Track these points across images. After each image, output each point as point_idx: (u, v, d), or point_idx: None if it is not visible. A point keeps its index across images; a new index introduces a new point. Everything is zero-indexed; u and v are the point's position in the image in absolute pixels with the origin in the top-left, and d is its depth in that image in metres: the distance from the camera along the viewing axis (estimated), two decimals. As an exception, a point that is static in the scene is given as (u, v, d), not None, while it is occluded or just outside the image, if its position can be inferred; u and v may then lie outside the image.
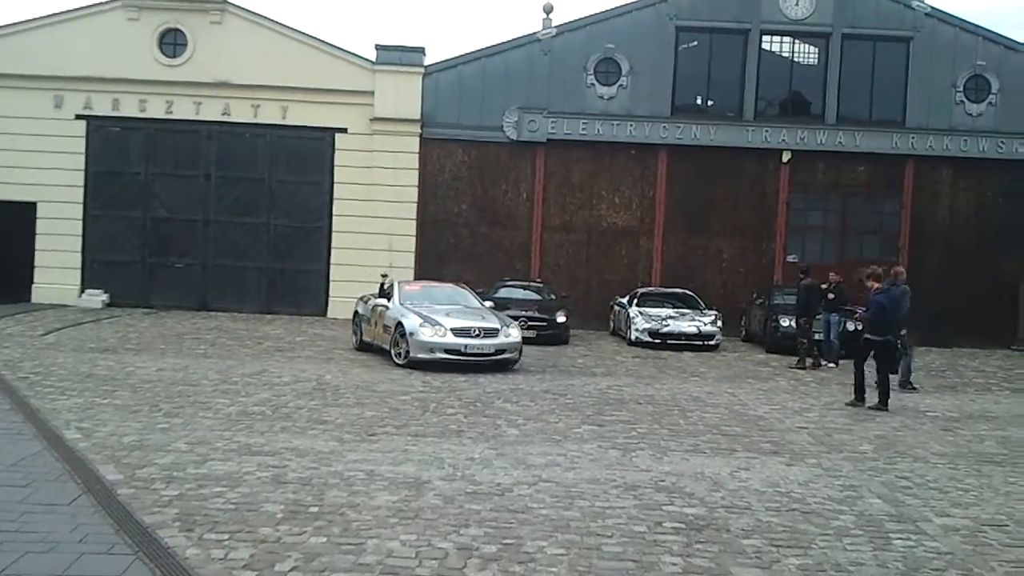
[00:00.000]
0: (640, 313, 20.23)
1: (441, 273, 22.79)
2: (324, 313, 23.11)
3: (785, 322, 19.27)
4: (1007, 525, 7.16)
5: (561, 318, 19.66)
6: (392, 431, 9.62)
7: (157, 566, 5.42)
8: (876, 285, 13.21)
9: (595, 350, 18.86)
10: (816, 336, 17.74)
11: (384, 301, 16.32)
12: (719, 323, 20.09)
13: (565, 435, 9.85)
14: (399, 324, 15.04)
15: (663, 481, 8.02)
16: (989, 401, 14.29)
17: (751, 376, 15.87)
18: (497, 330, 15.02)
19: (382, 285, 18.06)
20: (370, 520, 6.50)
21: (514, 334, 15.26)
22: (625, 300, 21.44)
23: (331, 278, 23.40)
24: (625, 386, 13.85)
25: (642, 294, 21.50)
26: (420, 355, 14.60)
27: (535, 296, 21.05)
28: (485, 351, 14.72)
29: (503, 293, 20.89)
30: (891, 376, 13.05)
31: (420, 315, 15.10)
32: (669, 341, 19.56)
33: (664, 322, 19.87)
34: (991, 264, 23.68)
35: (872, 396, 12.79)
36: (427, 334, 14.64)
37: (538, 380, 14.02)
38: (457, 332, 14.73)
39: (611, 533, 6.49)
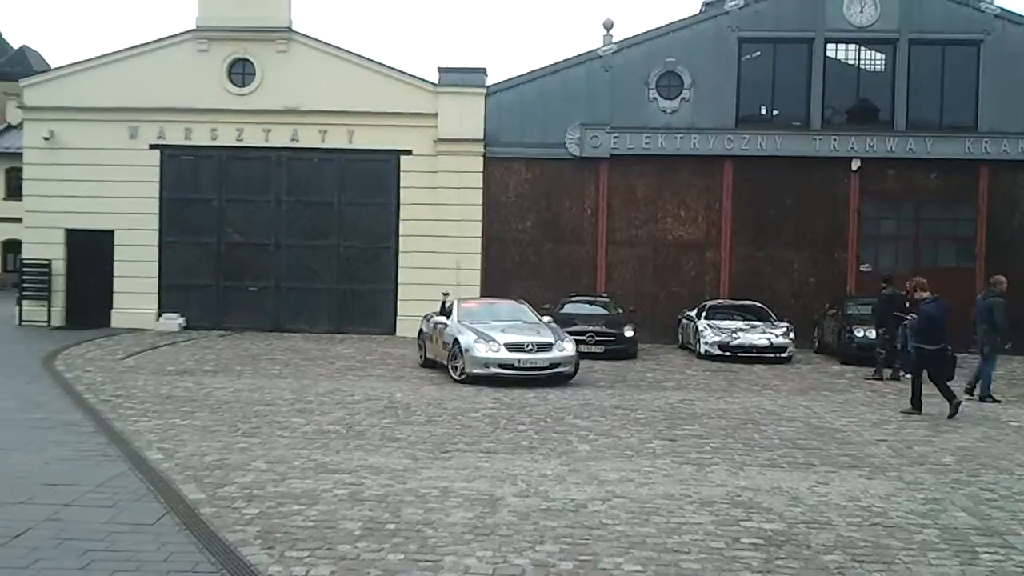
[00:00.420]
0: (709, 326, 20.03)
1: (507, 290, 22.84)
2: (393, 332, 23.34)
3: (860, 332, 18.92)
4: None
5: (629, 332, 19.56)
6: (464, 448, 9.68)
7: (241, 583, 5.54)
8: (924, 295, 13.36)
9: (664, 364, 18.72)
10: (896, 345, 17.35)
11: (443, 319, 16.71)
12: (791, 335, 19.79)
13: (637, 450, 9.79)
14: (456, 341, 15.39)
15: (740, 496, 7.92)
16: (1075, 411, 13.80)
17: (826, 388, 15.59)
18: (551, 344, 15.27)
19: (443, 303, 18.24)
20: (446, 537, 6.54)
21: (568, 348, 15.45)
22: (693, 313, 21.25)
23: (399, 297, 23.63)
24: (696, 400, 13.72)
25: (711, 307, 21.29)
26: (475, 370, 14.89)
27: (602, 311, 20.99)
28: (538, 365, 14.96)
29: (569, 309, 20.86)
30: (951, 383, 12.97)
31: (475, 331, 15.46)
32: (740, 354, 19.32)
33: (734, 335, 19.64)
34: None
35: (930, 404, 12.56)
36: (481, 350, 14.96)
37: (608, 395, 13.96)
38: (511, 347, 15.02)
39: (688, 549, 6.43)
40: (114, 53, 24.22)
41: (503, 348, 14.98)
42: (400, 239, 23.88)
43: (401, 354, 18.96)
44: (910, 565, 6.20)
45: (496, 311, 17.24)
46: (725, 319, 20.47)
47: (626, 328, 19.64)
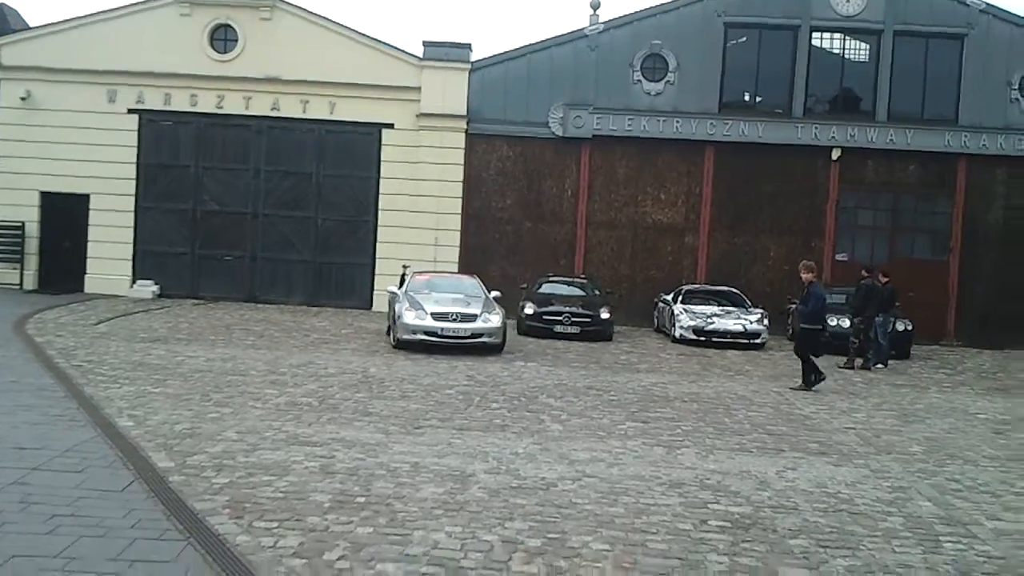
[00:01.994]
0: (685, 310, 20.10)
1: (486, 268, 22.87)
2: (370, 306, 23.27)
3: (833, 322, 19.03)
4: (1061, 530, 7.03)
5: (605, 314, 19.61)
6: (437, 424, 9.68)
7: (208, 552, 5.52)
8: (811, 277, 14.14)
9: (639, 347, 18.79)
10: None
11: (395, 289, 17.65)
12: (765, 321, 19.91)
13: (609, 431, 9.84)
14: (394, 309, 16.41)
15: (708, 479, 7.98)
16: (1042, 405, 13.99)
17: (798, 375, 15.65)
18: (475, 315, 16.14)
19: (402, 276, 18.79)
20: (416, 512, 6.56)
21: (494, 320, 16.26)
22: (670, 297, 21.33)
23: (376, 272, 23.55)
24: (670, 383, 13.79)
25: (687, 291, 21.37)
26: (404, 336, 15.84)
27: (579, 292, 21.01)
28: (461, 334, 15.87)
29: (547, 289, 20.89)
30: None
31: (411, 301, 16.38)
32: (714, 339, 19.42)
33: (709, 320, 19.74)
34: (1045, 265, 23.19)
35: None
36: (409, 317, 15.89)
37: (582, 376, 14.01)
38: (436, 316, 15.90)
39: (656, 530, 6.47)
40: (95, 14, 23.86)
41: (429, 317, 15.86)
42: (379, 213, 23.78)
43: (376, 328, 18.92)
44: (874, 552, 6.28)
45: (444, 284, 18.07)
46: (700, 304, 20.56)
47: (602, 310, 19.68)
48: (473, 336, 15.99)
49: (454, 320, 15.96)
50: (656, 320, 22.23)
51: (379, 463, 7.86)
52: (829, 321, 18.99)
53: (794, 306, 14.47)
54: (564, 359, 15.97)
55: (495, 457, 8.31)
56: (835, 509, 7.26)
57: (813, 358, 13.88)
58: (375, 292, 23.20)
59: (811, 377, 13.81)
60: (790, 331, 21.84)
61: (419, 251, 22.87)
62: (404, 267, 20.27)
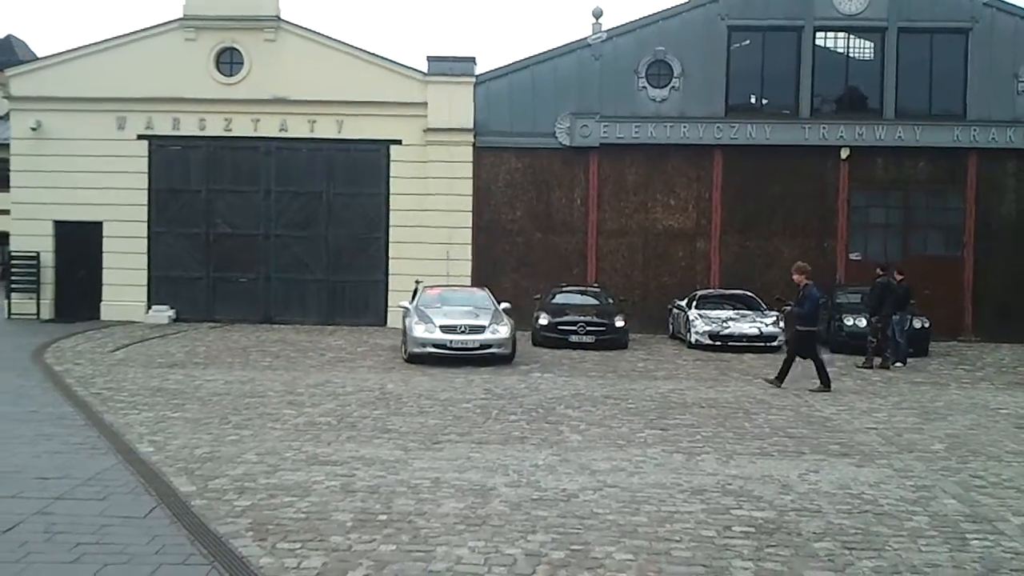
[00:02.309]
0: (700, 316, 20.05)
1: (497, 281, 22.90)
2: (384, 323, 23.31)
3: (850, 321, 19.01)
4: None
5: (620, 322, 19.59)
6: (456, 439, 9.68)
7: (232, 575, 5.52)
8: (804, 279, 14.19)
9: (655, 354, 18.75)
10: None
11: (407, 304, 17.88)
12: (781, 324, 19.83)
13: (628, 440, 9.81)
14: (405, 324, 16.69)
15: (730, 485, 7.95)
16: (1064, 397, 13.88)
17: (816, 377, 15.62)
18: (483, 327, 16.37)
19: (415, 291, 19.19)
20: (438, 527, 6.55)
21: (502, 331, 16.48)
22: (684, 303, 21.29)
23: (390, 288, 23.59)
24: (687, 389, 13.75)
25: (701, 296, 21.32)
26: (415, 349, 16.15)
27: (592, 301, 20.99)
28: (469, 346, 16.12)
29: (560, 299, 20.88)
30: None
31: (420, 315, 16.70)
32: (730, 343, 19.37)
33: (724, 324, 19.68)
34: (1060, 257, 23.04)
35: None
36: (419, 331, 16.21)
37: (599, 385, 13.99)
38: (445, 329, 16.20)
39: (679, 538, 6.45)
40: (101, 42, 24.08)
41: (438, 330, 16.16)
42: (390, 229, 23.84)
43: (392, 345, 18.94)
44: (900, 552, 6.24)
45: (454, 297, 18.37)
46: (715, 308, 20.51)
47: (616, 318, 19.67)
48: (482, 347, 16.21)
49: (463, 332, 16.21)
50: (671, 326, 22.18)
51: (399, 480, 7.86)
52: (846, 321, 19.06)
53: (789, 307, 14.46)
54: (580, 369, 15.95)
55: (515, 470, 8.30)
56: (859, 510, 7.21)
57: (793, 360, 14.09)
58: (389, 308, 23.22)
59: (828, 377, 13.81)
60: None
61: (431, 266, 22.90)
62: (417, 282, 20.37)
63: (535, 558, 5.96)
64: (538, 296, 21.52)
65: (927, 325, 19.22)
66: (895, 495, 7.72)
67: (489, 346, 16.26)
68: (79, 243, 23.73)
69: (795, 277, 14.47)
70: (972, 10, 23.31)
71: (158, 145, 24.03)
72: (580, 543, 6.27)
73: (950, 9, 23.36)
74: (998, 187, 23.52)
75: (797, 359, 14.12)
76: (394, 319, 22.57)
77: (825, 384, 13.77)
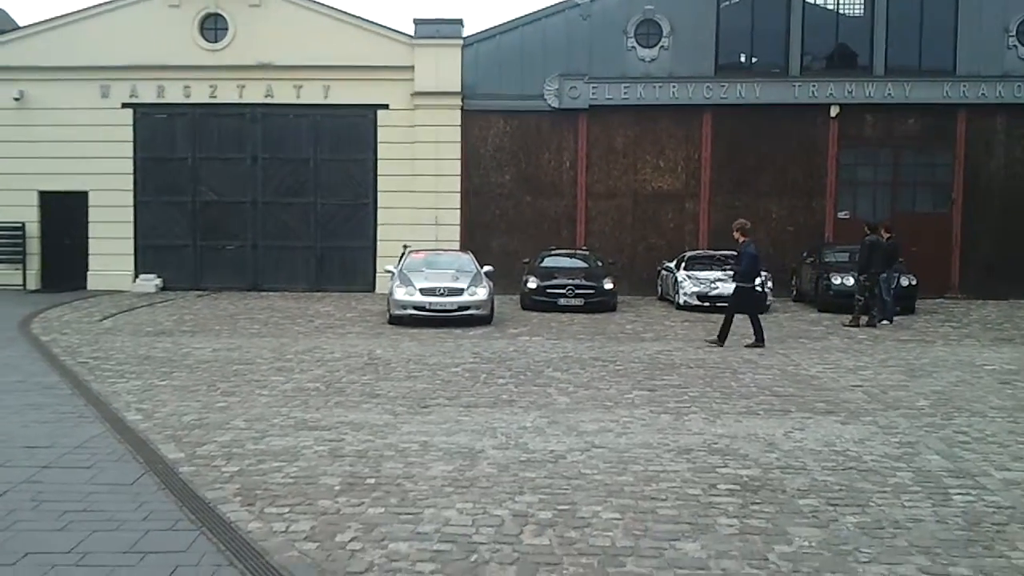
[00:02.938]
0: (688, 277, 20.08)
1: (487, 244, 22.89)
2: (372, 289, 23.29)
3: (837, 280, 19.04)
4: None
5: (608, 285, 19.60)
6: (444, 402, 9.70)
7: (220, 540, 5.55)
8: (744, 238, 14.47)
9: (643, 316, 18.79)
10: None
11: (392, 268, 18.29)
12: (769, 283, 19.86)
13: (616, 401, 9.85)
14: (390, 287, 17.32)
15: (716, 444, 7.99)
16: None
17: (803, 336, 15.71)
18: (462, 289, 16.92)
19: (401, 255, 19.42)
20: (426, 490, 6.58)
21: (480, 293, 17.00)
22: (672, 264, 21.29)
23: (378, 254, 23.53)
24: (675, 351, 13.79)
25: (689, 257, 21.32)
26: (396, 311, 16.78)
27: (581, 264, 20.97)
28: (448, 308, 16.68)
29: (549, 262, 20.87)
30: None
31: (402, 278, 17.24)
32: (719, 304, 19.36)
33: (713, 285, 19.70)
34: (1049, 213, 23.08)
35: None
36: (400, 293, 16.82)
37: (587, 348, 14.02)
38: (424, 291, 16.77)
39: (665, 496, 6.49)
40: (84, 10, 23.79)
41: (418, 292, 16.75)
42: (378, 195, 23.75)
43: (380, 311, 18.92)
44: (884, 507, 6.29)
45: (438, 261, 18.71)
46: (704, 270, 20.52)
47: (605, 280, 19.67)
48: (460, 309, 16.73)
49: (442, 295, 16.77)
50: (660, 288, 22.21)
51: (388, 444, 7.89)
52: (834, 280, 19.09)
53: (729, 267, 14.61)
54: (569, 332, 15.99)
55: (503, 432, 8.33)
56: (844, 467, 7.27)
57: (755, 317, 14.36)
58: (378, 275, 23.19)
59: (762, 334, 14.18)
60: (794, 292, 21.87)
61: (420, 231, 22.85)
62: (404, 247, 20.47)
63: (522, 519, 6.00)
64: (527, 260, 21.50)
65: (914, 283, 19.28)
66: (879, 451, 7.77)
67: (467, 308, 16.77)
68: (65, 213, 23.62)
69: (735, 235, 14.70)
70: (962, -36, 23.13)
71: (143, 113, 23.84)
72: (567, 503, 6.31)
73: (940, -37, 23.18)
74: (987, 144, 23.48)
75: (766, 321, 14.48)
76: (383, 285, 22.55)
77: (759, 340, 14.06)
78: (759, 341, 14.10)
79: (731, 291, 19.37)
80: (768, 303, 19.53)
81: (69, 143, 23.22)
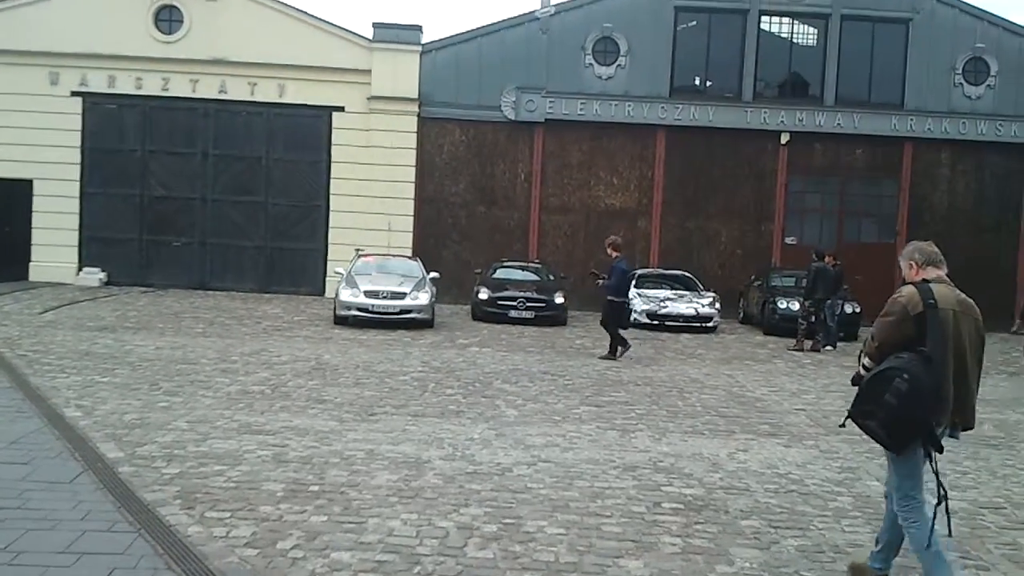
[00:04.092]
0: (638, 295, 20.20)
1: (439, 253, 22.85)
2: (322, 292, 23.07)
3: (783, 304, 19.32)
4: (1004, 508, 7.21)
5: (559, 299, 19.68)
6: (391, 411, 9.64)
7: (159, 543, 5.44)
8: (616, 254, 15.00)
9: (593, 331, 18.81)
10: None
11: (341, 271, 18.87)
12: (717, 305, 20.10)
13: (564, 416, 9.88)
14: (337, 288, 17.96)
15: (662, 462, 8.05)
16: (987, 385, 14.00)
17: (749, 358, 15.91)
18: (404, 294, 17.56)
19: (353, 259, 19.86)
20: (371, 499, 6.53)
21: (422, 298, 17.66)
22: (623, 281, 21.38)
23: (329, 257, 23.33)
24: (623, 368, 13.88)
25: (640, 275, 21.44)
26: (341, 312, 17.39)
27: (533, 277, 21.05)
28: (390, 311, 17.31)
29: (501, 274, 20.90)
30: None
31: (348, 280, 17.83)
32: (667, 323, 19.57)
33: (662, 303, 19.88)
34: (990, 247, 23.66)
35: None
36: (345, 295, 17.44)
37: (537, 361, 14.05)
38: (368, 294, 17.39)
39: (610, 513, 6.52)
40: (35, -6, 23.28)
41: (362, 294, 17.35)
42: (331, 198, 23.58)
43: (329, 314, 18.74)
44: (824, 531, 6.38)
45: (387, 266, 19.27)
46: (654, 288, 20.70)
47: (556, 294, 19.75)
48: (402, 312, 17.39)
49: (384, 298, 17.37)
50: (609, 304, 22.29)
51: (333, 451, 7.81)
52: (779, 304, 19.37)
53: (601, 281, 14.91)
54: (519, 344, 16.01)
55: (450, 443, 8.30)
56: (786, 490, 7.36)
57: (620, 330, 14.89)
58: (327, 278, 22.99)
59: (617, 348, 14.63)
60: (741, 314, 22.14)
61: (372, 236, 22.71)
62: (357, 251, 20.62)
63: (467, 531, 5.98)
64: (479, 270, 21.49)
65: (858, 310, 19.61)
66: (821, 475, 7.89)
67: (409, 311, 17.44)
68: (7, 201, 23.05)
69: (608, 250, 15.17)
70: (914, 1, 23.71)
71: (92, 103, 23.38)
72: (512, 517, 6.31)
73: (893, -1, 23.75)
74: (932, 177, 24.07)
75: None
76: (332, 288, 22.37)
77: (611, 353, 14.60)
78: (611, 354, 14.57)
79: (680, 311, 19.81)
80: (714, 324, 19.77)
81: (14, 129, 22.66)
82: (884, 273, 23.52)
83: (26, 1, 23.18)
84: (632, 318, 19.69)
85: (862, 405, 5.12)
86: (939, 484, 5.03)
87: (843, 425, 5.44)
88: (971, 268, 23.43)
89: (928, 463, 5.08)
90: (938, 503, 5.03)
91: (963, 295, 5.37)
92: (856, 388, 5.28)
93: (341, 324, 17.30)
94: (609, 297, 14.90)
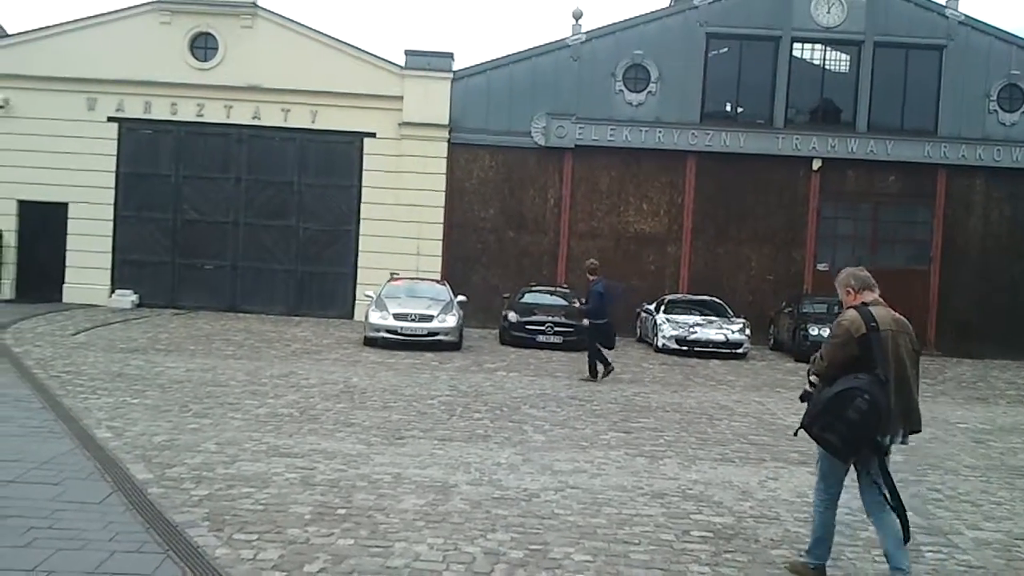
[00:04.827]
0: (667, 320, 20.13)
1: (468, 277, 22.90)
2: (351, 316, 23.20)
3: (815, 331, 19.13)
4: (1041, 539, 7.06)
5: (588, 323, 19.56)
6: (419, 435, 9.63)
7: (187, 565, 5.45)
8: (593, 277, 15.26)
9: (622, 356, 18.73)
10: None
11: (371, 294, 19.19)
12: (747, 331, 19.95)
13: (592, 442, 9.82)
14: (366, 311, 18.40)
15: (691, 489, 7.97)
16: (1022, 414, 14.09)
17: (779, 385, 15.76)
18: (432, 316, 17.92)
19: (386, 282, 20.27)
20: (397, 523, 6.50)
21: (449, 321, 18.00)
22: (652, 307, 21.35)
23: (359, 281, 23.47)
24: (652, 393, 13.79)
25: (669, 301, 21.40)
26: (370, 334, 17.79)
27: (561, 302, 20.99)
28: (418, 333, 17.66)
29: (529, 299, 20.89)
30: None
31: (378, 303, 18.21)
32: (696, 349, 19.45)
33: (691, 329, 19.77)
34: (1024, 275, 23.36)
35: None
36: (375, 317, 17.83)
37: (565, 386, 14.00)
38: (397, 316, 17.77)
39: (638, 541, 6.45)
40: (74, 21, 23.79)
41: (391, 317, 17.73)
42: (361, 222, 23.75)
43: (358, 338, 18.83)
44: (855, 561, 6.28)
45: (415, 289, 19.65)
46: (683, 314, 20.60)
47: (583, 320, 19.64)
48: (430, 335, 17.74)
49: (413, 320, 17.73)
50: (639, 330, 22.25)
51: (360, 474, 7.80)
52: (811, 330, 19.20)
53: (579, 305, 15.06)
54: (546, 369, 15.98)
55: (477, 468, 8.27)
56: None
57: (604, 350, 14.95)
58: (357, 301, 23.11)
59: (597, 368, 14.76)
60: (772, 341, 21.96)
61: (401, 260, 22.84)
62: (392, 274, 21.15)
63: (493, 556, 5.94)
64: (507, 295, 21.50)
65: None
66: (852, 505, 7.71)
67: (436, 334, 17.77)
68: (43, 224, 23.43)
69: (587, 275, 15.43)
70: (948, 28, 23.60)
71: (128, 128, 23.77)
72: (539, 543, 6.26)
73: (926, 26, 23.63)
74: (966, 204, 23.83)
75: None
76: (362, 312, 22.47)
77: (592, 374, 14.71)
78: (592, 375, 14.68)
79: (709, 337, 19.68)
80: (744, 350, 19.62)
81: (52, 154, 23.08)
82: (918, 299, 23.35)
83: (65, 29, 23.68)
84: (661, 343, 19.72)
85: (824, 419, 5.54)
86: (892, 491, 5.56)
87: (796, 434, 5.99)
88: (1007, 294, 23.27)
89: (881, 473, 5.63)
90: (893, 507, 5.55)
91: (897, 314, 5.90)
92: (805, 403, 5.77)
93: (371, 345, 17.58)
94: (588, 320, 15.26)
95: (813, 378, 5.79)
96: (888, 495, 5.56)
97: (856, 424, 5.42)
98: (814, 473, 8.73)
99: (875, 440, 5.54)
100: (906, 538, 5.55)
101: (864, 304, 5.84)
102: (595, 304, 15.04)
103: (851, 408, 5.42)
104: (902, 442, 5.79)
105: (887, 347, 5.59)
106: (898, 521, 5.54)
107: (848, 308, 5.90)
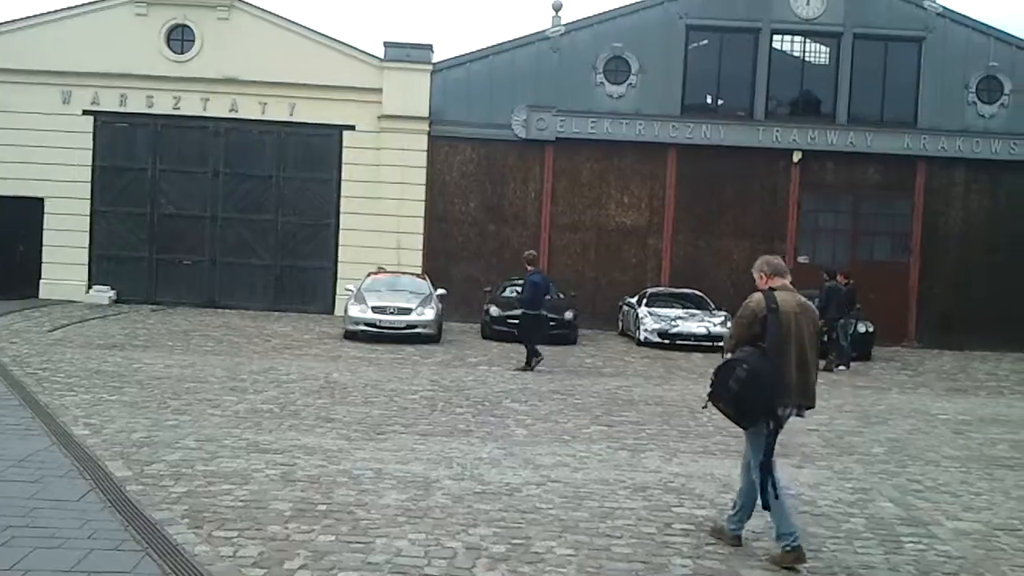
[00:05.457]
0: (649, 313, 20.15)
1: (449, 271, 22.83)
2: (331, 310, 23.08)
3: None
4: (1019, 529, 7.10)
5: (569, 317, 19.60)
6: (400, 430, 9.59)
7: (166, 563, 5.40)
8: (531, 268, 15.59)
9: (603, 350, 18.80)
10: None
11: (352, 287, 19.24)
12: (728, 324, 19.97)
13: (574, 435, 9.80)
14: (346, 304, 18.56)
15: (672, 482, 7.97)
16: (1001, 405, 14.19)
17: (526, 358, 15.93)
18: (411, 309, 18.02)
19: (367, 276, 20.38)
20: (379, 519, 6.47)
21: (428, 314, 18.10)
22: (634, 300, 21.36)
23: (339, 275, 23.35)
24: (634, 387, 13.80)
25: (651, 294, 21.41)
26: (349, 327, 17.94)
27: (543, 295, 20.93)
28: (396, 325, 17.73)
29: (510, 292, 20.82)
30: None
31: (358, 296, 18.30)
32: (678, 342, 19.48)
33: (673, 323, 19.79)
34: (1003, 266, 23.50)
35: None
36: (354, 311, 17.95)
37: (547, 380, 13.98)
38: (376, 309, 17.87)
39: (620, 534, 6.44)
40: (48, 13, 23.48)
41: (370, 310, 17.83)
42: (341, 216, 23.62)
43: (339, 333, 18.75)
44: (836, 553, 6.30)
45: (396, 283, 19.76)
46: (665, 307, 20.62)
47: (566, 313, 19.68)
48: (408, 327, 17.85)
49: (391, 313, 17.82)
50: (620, 323, 22.26)
51: (341, 470, 7.76)
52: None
53: (514, 294, 15.28)
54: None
55: (459, 463, 8.24)
56: (798, 511, 7.25)
57: (532, 342, 15.09)
58: (337, 296, 22.99)
59: (532, 359, 14.89)
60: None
61: (382, 254, 22.73)
62: (379, 268, 21.19)
63: (475, 551, 5.92)
64: (489, 288, 21.46)
65: (871, 330, 19.50)
66: (833, 496, 7.80)
67: (415, 327, 17.90)
68: (19, 219, 23.15)
69: (525, 265, 15.74)
70: (926, 20, 23.69)
71: (104, 121, 23.52)
72: (521, 537, 6.24)
73: (905, 18, 23.71)
74: (945, 196, 23.95)
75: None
76: (343, 307, 22.36)
77: (527, 365, 14.86)
78: (528, 367, 14.82)
79: (691, 330, 19.73)
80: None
81: (26, 147, 22.80)
82: (897, 293, 23.47)
83: (39, 21, 23.40)
84: (643, 337, 19.74)
85: (713, 389, 6.12)
86: (770, 450, 5.95)
87: (704, 407, 6.48)
88: (987, 286, 23.42)
89: (765, 444, 5.97)
90: (759, 479, 5.95)
91: (803, 299, 6.31)
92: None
93: (350, 339, 17.67)
94: (523, 310, 15.51)
95: (727, 354, 6.30)
96: (760, 466, 5.93)
97: (736, 393, 5.88)
98: (794, 466, 8.83)
99: (771, 408, 5.90)
100: (764, 505, 5.97)
101: (772, 289, 6.26)
102: (531, 294, 15.31)
103: (731, 378, 5.92)
104: (798, 414, 6.19)
105: (788, 328, 5.97)
106: (758, 489, 5.97)
107: (756, 291, 6.34)
